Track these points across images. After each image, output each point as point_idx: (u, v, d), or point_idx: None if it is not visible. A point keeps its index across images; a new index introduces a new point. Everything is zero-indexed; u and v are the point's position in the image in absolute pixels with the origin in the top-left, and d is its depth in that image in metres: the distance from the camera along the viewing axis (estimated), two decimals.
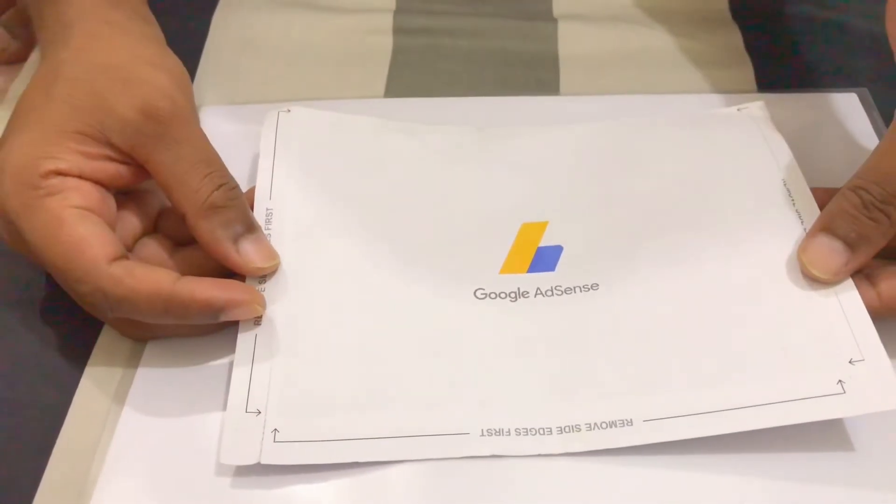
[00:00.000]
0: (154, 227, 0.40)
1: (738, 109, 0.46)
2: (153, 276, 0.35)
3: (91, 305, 0.36)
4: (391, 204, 0.42)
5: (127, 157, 0.38)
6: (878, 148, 0.38)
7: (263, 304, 0.37)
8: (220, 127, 0.46)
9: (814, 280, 0.37)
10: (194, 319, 0.36)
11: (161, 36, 0.44)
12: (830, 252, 0.37)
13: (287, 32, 0.53)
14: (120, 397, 0.37)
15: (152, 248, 0.39)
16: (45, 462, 0.35)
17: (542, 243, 0.41)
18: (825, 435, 0.35)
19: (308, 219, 0.41)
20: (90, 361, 0.38)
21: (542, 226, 0.41)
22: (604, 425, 0.35)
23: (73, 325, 0.38)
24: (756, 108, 0.46)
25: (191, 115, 0.39)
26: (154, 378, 0.37)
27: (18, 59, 0.58)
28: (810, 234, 0.38)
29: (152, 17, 0.44)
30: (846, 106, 0.48)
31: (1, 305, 0.40)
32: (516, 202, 0.43)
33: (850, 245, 0.37)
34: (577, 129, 0.46)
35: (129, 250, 0.39)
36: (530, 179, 0.44)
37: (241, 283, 0.37)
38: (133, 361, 0.38)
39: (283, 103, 0.46)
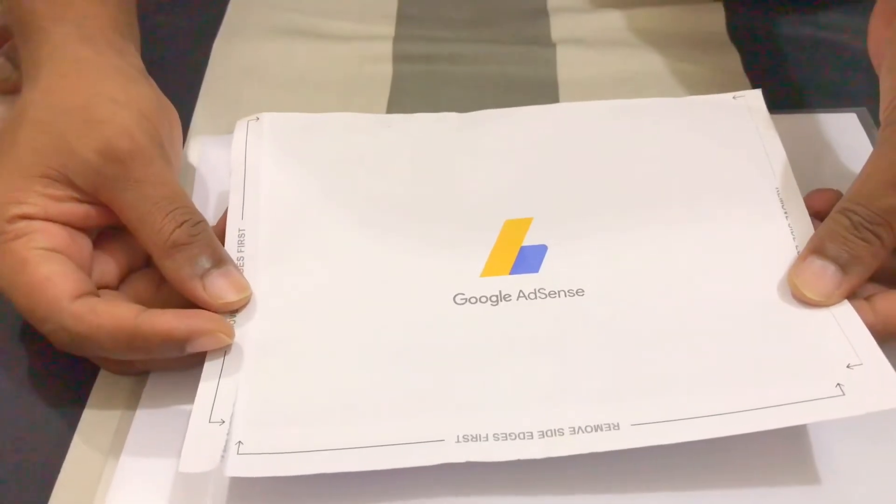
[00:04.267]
0: (148, 262, 0.40)
1: (734, 97, 0.45)
2: (115, 312, 0.35)
3: (60, 344, 0.36)
4: (367, 208, 0.41)
5: (93, 198, 0.38)
6: (862, 170, 0.38)
7: (231, 334, 0.36)
8: (217, 156, 0.46)
9: (806, 303, 0.37)
10: (160, 353, 0.35)
11: (136, 65, 0.43)
12: (823, 274, 0.36)
13: (287, 61, 0.53)
14: (121, 432, 0.36)
15: (140, 284, 0.39)
16: (47, 496, 0.34)
17: (526, 242, 0.40)
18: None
19: (281, 235, 0.40)
20: (91, 396, 0.38)
21: (525, 223, 0.40)
22: (589, 429, 0.33)
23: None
24: (752, 97, 0.45)
25: (153, 151, 0.38)
26: (155, 414, 0.37)
27: (21, 89, 0.58)
28: (801, 257, 0.38)
29: (128, 47, 0.43)
30: (845, 126, 0.48)
31: (2, 340, 0.40)
32: (499, 195, 0.42)
33: (843, 267, 0.36)
34: (564, 110, 0.45)
35: (114, 287, 0.39)
36: (514, 168, 0.43)
37: (206, 312, 0.36)
38: (135, 396, 0.37)
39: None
